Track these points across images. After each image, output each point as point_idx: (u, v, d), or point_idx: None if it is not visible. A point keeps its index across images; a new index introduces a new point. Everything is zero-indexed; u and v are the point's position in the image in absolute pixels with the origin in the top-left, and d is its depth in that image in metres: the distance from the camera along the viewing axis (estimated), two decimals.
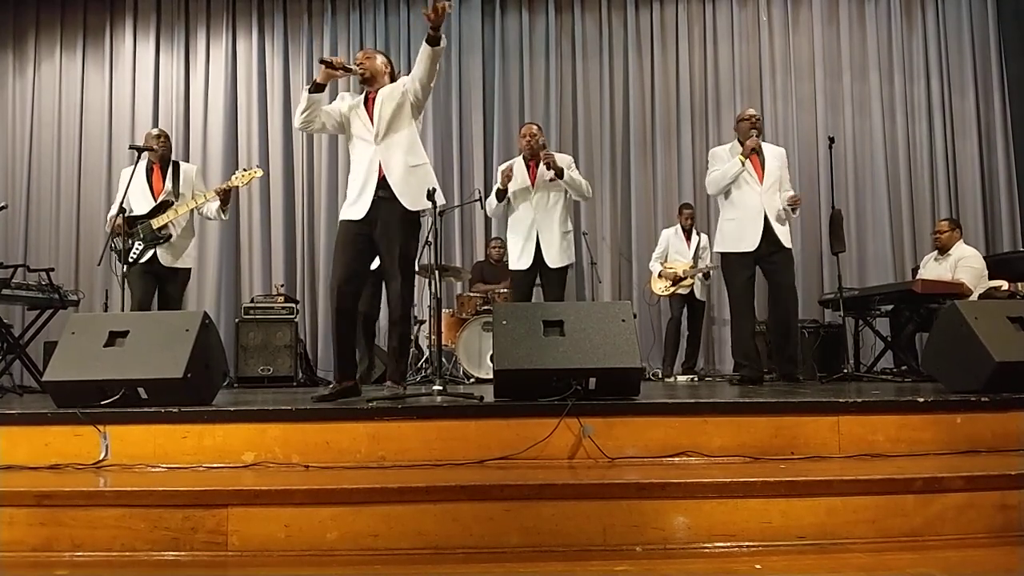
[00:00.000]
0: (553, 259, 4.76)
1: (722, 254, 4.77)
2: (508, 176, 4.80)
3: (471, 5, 8.05)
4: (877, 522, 2.29)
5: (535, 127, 4.93)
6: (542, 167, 4.75)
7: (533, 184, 4.82)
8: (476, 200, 6.78)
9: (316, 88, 3.56)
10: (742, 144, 4.72)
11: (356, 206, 3.57)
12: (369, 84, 3.67)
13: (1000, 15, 7.72)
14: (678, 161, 7.89)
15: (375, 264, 3.76)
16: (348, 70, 3.58)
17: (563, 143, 7.92)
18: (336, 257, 3.61)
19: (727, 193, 4.71)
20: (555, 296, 4.80)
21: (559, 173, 4.70)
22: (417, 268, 4.65)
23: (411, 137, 3.62)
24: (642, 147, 7.91)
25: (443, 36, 3.44)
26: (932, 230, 6.36)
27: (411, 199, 3.54)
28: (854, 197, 7.68)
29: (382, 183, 3.54)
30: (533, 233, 4.78)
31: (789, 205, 4.71)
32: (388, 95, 3.61)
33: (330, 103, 3.74)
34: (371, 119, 3.60)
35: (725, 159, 4.75)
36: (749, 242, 4.59)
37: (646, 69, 8.02)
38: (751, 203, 4.62)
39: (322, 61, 3.55)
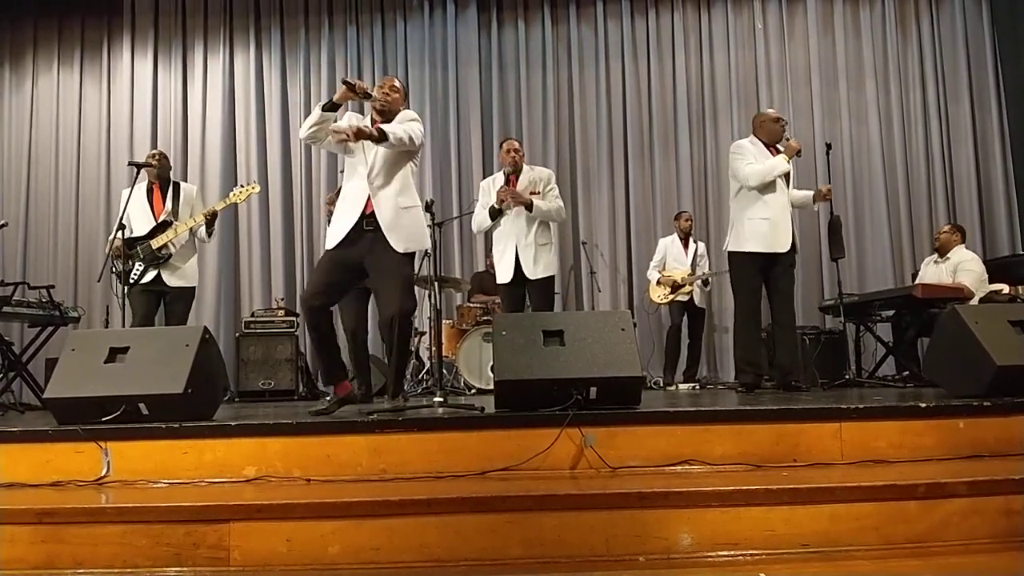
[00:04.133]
0: (531, 270, 4.76)
1: (737, 253, 4.59)
2: (502, 199, 4.80)
3: (467, 17, 8.09)
4: (881, 529, 2.28)
5: (517, 143, 4.98)
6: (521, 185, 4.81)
7: None
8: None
9: (331, 107, 3.49)
10: (764, 144, 4.66)
11: (333, 233, 3.55)
12: (382, 116, 3.64)
13: (995, 23, 7.76)
14: (676, 169, 7.90)
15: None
16: (368, 96, 3.51)
17: (560, 152, 7.95)
18: (312, 275, 3.62)
19: (761, 190, 4.55)
20: (540, 308, 4.80)
21: (528, 207, 4.74)
22: (416, 279, 4.65)
23: (404, 179, 3.59)
24: (639, 156, 7.93)
25: (388, 133, 3.37)
26: (932, 235, 6.37)
27: (401, 239, 3.49)
28: (853, 203, 7.70)
29: (370, 218, 3.50)
30: (512, 246, 4.80)
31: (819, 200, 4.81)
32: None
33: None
34: (365, 154, 3.56)
35: (756, 153, 4.63)
36: (782, 243, 4.50)
37: (643, 78, 8.04)
38: (783, 204, 4.55)
39: (345, 82, 3.45)
